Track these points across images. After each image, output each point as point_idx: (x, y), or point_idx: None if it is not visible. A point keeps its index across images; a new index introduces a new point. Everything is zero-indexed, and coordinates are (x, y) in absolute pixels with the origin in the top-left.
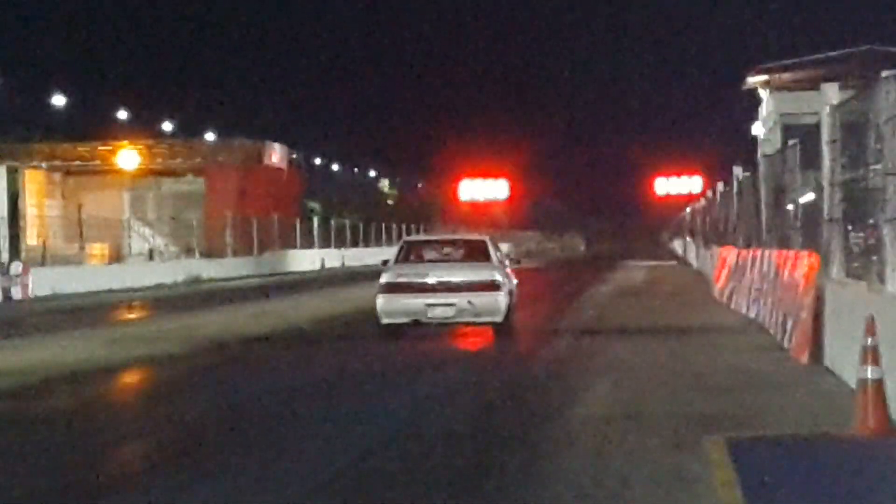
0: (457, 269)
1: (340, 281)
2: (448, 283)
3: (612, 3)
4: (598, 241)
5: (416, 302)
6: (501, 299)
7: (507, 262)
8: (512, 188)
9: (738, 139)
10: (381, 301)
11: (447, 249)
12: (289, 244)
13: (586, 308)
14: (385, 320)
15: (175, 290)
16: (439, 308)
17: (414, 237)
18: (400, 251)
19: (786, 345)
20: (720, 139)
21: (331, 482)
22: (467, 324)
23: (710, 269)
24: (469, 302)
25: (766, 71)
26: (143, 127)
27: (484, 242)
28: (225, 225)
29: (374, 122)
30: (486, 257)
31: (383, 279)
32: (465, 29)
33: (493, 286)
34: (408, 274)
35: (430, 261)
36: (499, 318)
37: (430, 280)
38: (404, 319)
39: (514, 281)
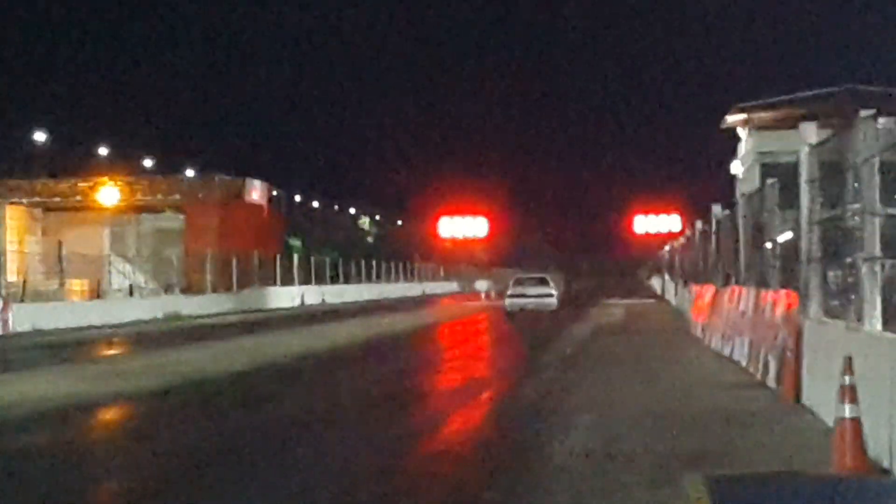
0: (536, 288)
1: (320, 318)
2: (532, 294)
3: (591, 42)
4: (578, 279)
5: (520, 301)
6: (555, 301)
7: (557, 285)
8: (491, 225)
9: (717, 178)
10: (507, 301)
11: (531, 279)
12: (269, 281)
13: (566, 346)
14: (508, 309)
15: (155, 327)
16: (530, 304)
17: (518, 275)
18: (513, 281)
19: (765, 383)
20: (699, 178)
21: None
22: (539, 311)
23: (689, 307)
24: (542, 302)
25: (745, 110)
26: (123, 163)
27: (546, 277)
28: (205, 261)
29: (354, 159)
30: (547, 284)
31: (508, 293)
32: (445, 67)
33: (551, 296)
34: (517, 290)
35: (525, 284)
36: (553, 309)
37: (526, 293)
38: (517, 309)
39: (557, 292)
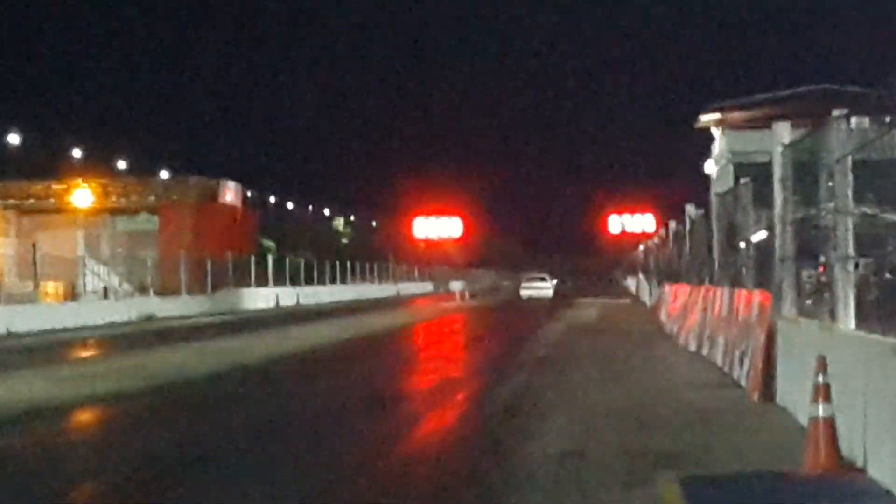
0: (539, 283)
1: (294, 319)
2: (537, 286)
3: (565, 43)
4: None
5: (530, 292)
6: (551, 292)
7: (553, 280)
8: (466, 226)
9: (692, 178)
10: (521, 291)
11: (536, 277)
12: (243, 282)
13: (540, 346)
14: (523, 296)
15: (129, 329)
16: (535, 294)
17: (527, 275)
18: (525, 279)
19: (739, 382)
20: (674, 178)
21: None
22: (540, 298)
23: (663, 306)
24: (543, 293)
25: (719, 110)
26: (97, 165)
27: (546, 276)
28: (179, 263)
29: (329, 160)
30: (546, 280)
31: (522, 285)
32: (420, 69)
33: (549, 288)
34: (527, 284)
35: (533, 280)
36: (550, 297)
37: (532, 286)
38: (526, 297)
39: (554, 282)
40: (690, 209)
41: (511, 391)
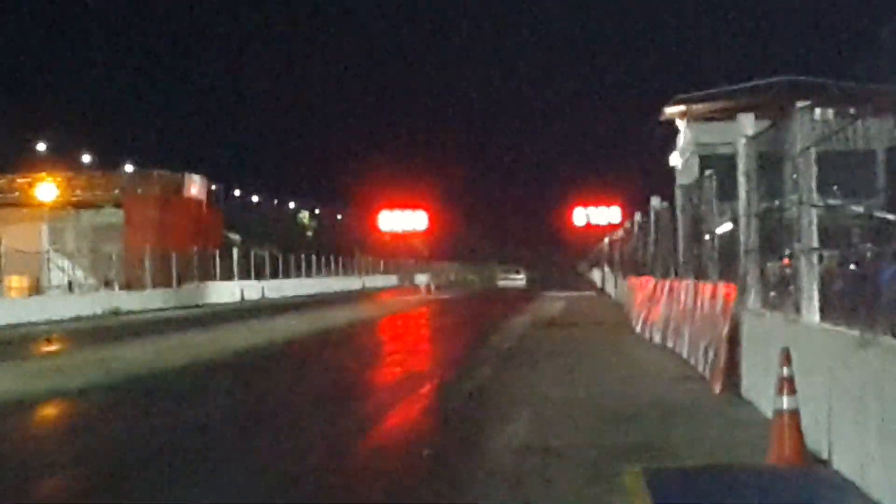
0: (514, 275)
1: (259, 313)
2: (512, 278)
3: (528, 34)
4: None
5: (508, 283)
6: (525, 283)
7: (524, 272)
8: (431, 219)
9: (657, 170)
10: (499, 282)
11: (512, 269)
12: (208, 276)
13: (506, 340)
14: (500, 286)
15: (94, 323)
16: (510, 284)
17: (505, 268)
18: (501, 271)
19: (704, 375)
20: (639, 170)
21: None
22: (515, 288)
23: (629, 299)
24: (517, 284)
25: (684, 101)
26: (61, 159)
27: (520, 269)
28: (144, 257)
29: (294, 154)
30: (520, 272)
31: (500, 276)
32: (383, 61)
33: (521, 279)
34: (504, 276)
35: (509, 272)
36: (523, 286)
37: (509, 277)
38: (502, 287)
39: (526, 276)
40: (655, 201)
41: (476, 385)
